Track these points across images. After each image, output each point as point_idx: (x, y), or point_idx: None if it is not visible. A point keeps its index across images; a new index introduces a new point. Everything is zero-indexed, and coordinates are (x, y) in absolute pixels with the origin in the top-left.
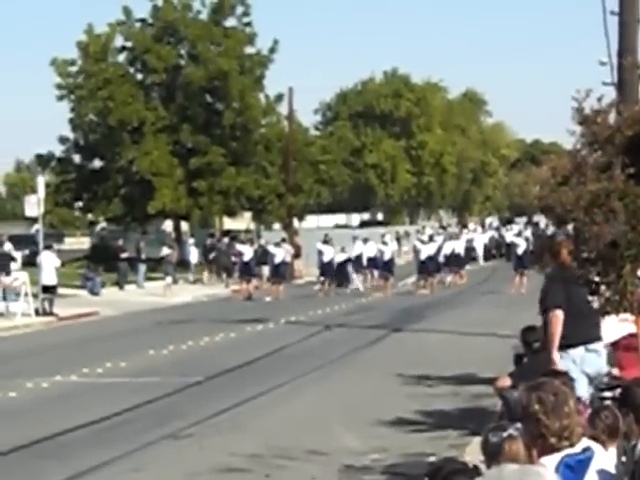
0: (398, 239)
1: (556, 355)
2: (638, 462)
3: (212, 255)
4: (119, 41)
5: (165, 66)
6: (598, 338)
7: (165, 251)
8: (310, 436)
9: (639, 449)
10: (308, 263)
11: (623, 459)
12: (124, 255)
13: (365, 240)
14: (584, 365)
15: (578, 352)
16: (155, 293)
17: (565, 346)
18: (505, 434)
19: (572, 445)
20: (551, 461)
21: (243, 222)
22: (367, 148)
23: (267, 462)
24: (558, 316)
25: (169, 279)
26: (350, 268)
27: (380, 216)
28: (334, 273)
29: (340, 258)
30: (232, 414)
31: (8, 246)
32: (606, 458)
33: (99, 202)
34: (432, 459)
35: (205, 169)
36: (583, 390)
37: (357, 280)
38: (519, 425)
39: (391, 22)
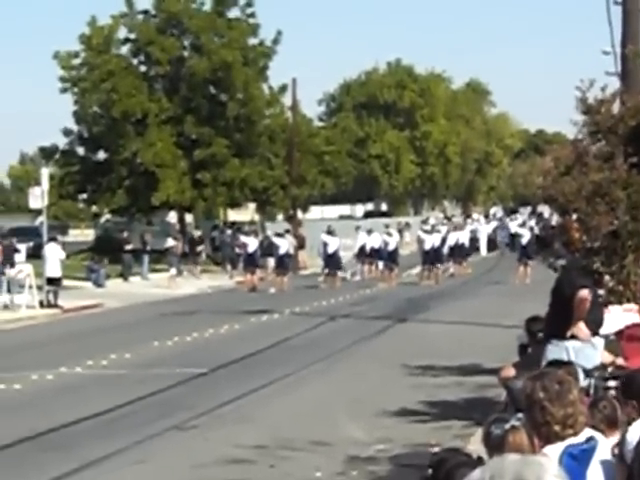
0: (400, 230)
1: (582, 325)
2: (634, 461)
3: (200, 248)
4: (122, 33)
5: (169, 58)
6: (597, 333)
7: (170, 242)
8: (315, 427)
9: (630, 447)
10: (312, 254)
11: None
12: (129, 247)
13: (369, 231)
14: (579, 358)
15: (573, 343)
16: (159, 285)
17: (565, 337)
18: (508, 425)
19: (576, 434)
20: (554, 451)
21: (247, 213)
22: (371, 139)
23: (272, 453)
24: (588, 297)
25: (173, 271)
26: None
27: (384, 207)
28: (338, 264)
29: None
30: (237, 405)
31: None
32: (609, 448)
33: (103, 194)
34: (435, 449)
35: (209, 160)
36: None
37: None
38: (520, 416)
39: (394, 13)
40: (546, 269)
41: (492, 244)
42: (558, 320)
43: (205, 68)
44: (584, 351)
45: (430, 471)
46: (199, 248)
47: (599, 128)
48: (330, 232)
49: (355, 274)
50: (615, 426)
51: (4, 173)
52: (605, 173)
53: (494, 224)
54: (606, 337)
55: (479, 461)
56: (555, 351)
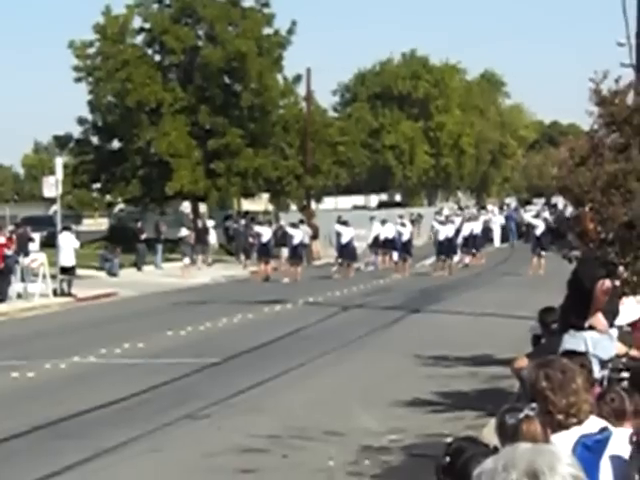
0: (412, 221)
1: (601, 316)
2: None
3: (208, 237)
4: (137, 22)
5: (183, 47)
6: (612, 324)
7: (183, 232)
8: (328, 417)
9: None
10: (326, 244)
11: None
12: (143, 236)
13: (383, 221)
14: (597, 349)
15: (591, 334)
16: (173, 274)
17: (582, 328)
18: (522, 415)
19: (580, 422)
20: (568, 441)
21: (261, 203)
22: (385, 129)
23: (285, 442)
24: (610, 287)
25: (187, 260)
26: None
27: (398, 197)
28: (352, 254)
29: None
30: (250, 395)
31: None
32: (623, 439)
33: (117, 183)
34: (450, 439)
35: (223, 150)
36: (595, 372)
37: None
38: (534, 405)
39: (409, 3)
40: (560, 260)
41: (506, 235)
42: (576, 311)
43: (219, 58)
44: (602, 342)
45: (447, 459)
46: (207, 238)
47: (614, 119)
48: (344, 222)
49: (369, 264)
50: (623, 418)
51: (18, 162)
52: (620, 164)
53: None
54: (619, 328)
55: (496, 451)
56: (572, 342)
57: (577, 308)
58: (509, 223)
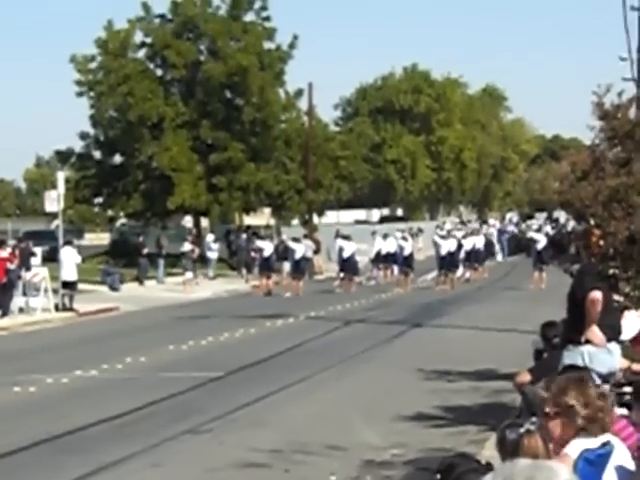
0: (412, 235)
1: (596, 329)
2: None
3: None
4: (139, 37)
5: (185, 62)
6: (613, 338)
7: (186, 247)
8: (330, 431)
9: None
10: (327, 259)
11: None
12: (145, 251)
13: (385, 236)
14: (594, 363)
15: (587, 348)
16: (175, 288)
17: (579, 342)
18: (523, 430)
19: (605, 430)
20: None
21: (263, 218)
22: (387, 144)
23: (286, 457)
24: (599, 298)
25: (189, 274)
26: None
27: (400, 212)
28: (354, 268)
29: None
30: (252, 409)
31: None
32: (623, 454)
33: (119, 198)
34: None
35: (225, 165)
36: None
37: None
38: (535, 420)
39: (411, 18)
40: (561, 274)
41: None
42: (574, 325)
43: (221, 72)
44: (598, 356)
45: (438, 476)
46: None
47: (616, 133)
48: (346, 236)
49: (370, 279)
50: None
51: (20, 176)
52: (622, 178)
53: (510, 229)
54: (621, 343)
55: (488, 467)
56: (571, 356)
57: (575, 322)
58: (501, 238)
